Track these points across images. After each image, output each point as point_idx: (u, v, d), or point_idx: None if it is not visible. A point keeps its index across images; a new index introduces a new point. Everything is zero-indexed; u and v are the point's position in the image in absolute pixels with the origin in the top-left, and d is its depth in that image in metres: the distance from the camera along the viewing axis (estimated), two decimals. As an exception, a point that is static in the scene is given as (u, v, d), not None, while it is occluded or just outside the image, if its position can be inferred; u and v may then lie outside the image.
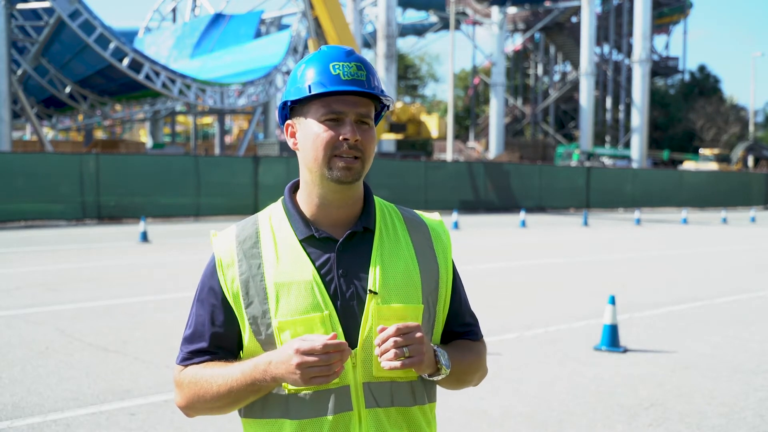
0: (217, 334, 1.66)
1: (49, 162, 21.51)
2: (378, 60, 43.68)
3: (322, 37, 34.90)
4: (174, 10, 48.58)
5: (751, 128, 61.04)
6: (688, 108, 61.28)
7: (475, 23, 62.34)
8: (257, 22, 40.53)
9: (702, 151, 54.80)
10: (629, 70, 59.62)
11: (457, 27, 60.91)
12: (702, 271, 12.78)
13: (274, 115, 38.75)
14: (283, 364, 1.51)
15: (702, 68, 68.50)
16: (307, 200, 1.67)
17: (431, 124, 49.48)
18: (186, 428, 4.57)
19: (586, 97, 51.15)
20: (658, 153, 55.57)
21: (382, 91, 1.64)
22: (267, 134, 40.66)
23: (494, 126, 54.34)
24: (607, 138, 61.48)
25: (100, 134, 53.57)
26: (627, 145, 57.49)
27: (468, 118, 67.32)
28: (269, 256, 1.64)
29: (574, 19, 61.30)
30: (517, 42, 67.94)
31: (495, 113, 54.58)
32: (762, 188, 41.46)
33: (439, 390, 1.79)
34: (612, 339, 6.74)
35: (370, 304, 1.61)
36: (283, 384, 1.58)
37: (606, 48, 63.78)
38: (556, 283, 11.02)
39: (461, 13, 57.22)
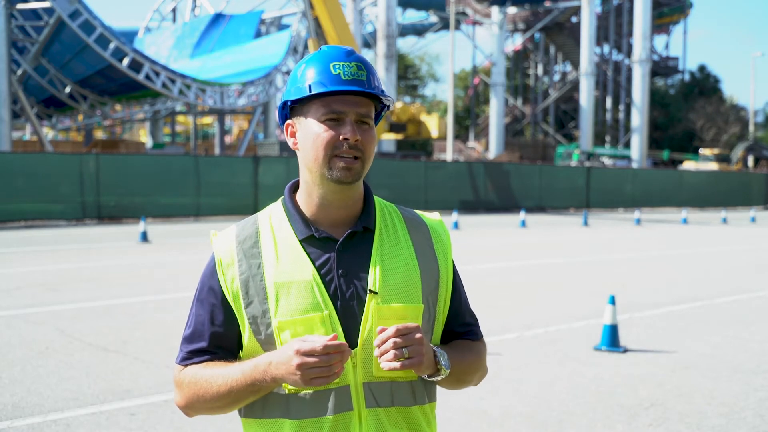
0: (216, 334, 1.66)
1: (49, 162, 21.51)
2: (378, 60, 43.68)
3: (322, 37, 34.90)
4: (174, 10, 48.59)
5: (751, 128, 61.05)
6: (688, 108, 61.29)
7: (475, 23, 62.34)
8: (257, 22, 40.53)
9: (702, 151, 54.80)
10: (629, 70, 59.62)
11: (457, 27, 60.92)
12: (702, 271, 12.78)
13: (274, 115, 38.75)
14: (284, 364, 1.51)
15: (702, 68, 68.51)
16: (307, 200, 1.67)
17: (431, 124, 49.48)
18: (186, 428, 4.57)
19: (586, 97, 51.15)
20: (658, 153, 55.58)
21: (382, 91, 1.64)
22: (267, 134, 40.66)
23: (494, 126, 54.34)
24: (607, 138, 61.49)
25: (100, 134, 53.58)
26: (627, 145, 57.50)
27: (468, 118, 67.33)
28: (269, 255, 1.64)
29: (574, 19, 61.30)
30: (517, 42, 67.95)
31: (495, 113, 54.59)
32: (762, 188, 41.46)
33: (439, 390, 1.79)
34: (612, 339, 6.74)
35: (370, 304, 1.61)
36: (283, 384, 1.58)
37: (606, 48, 63.79)
38: (556, 283, 11.02)
39: (461, 13, 57.22)
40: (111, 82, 32.32)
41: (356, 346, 1.60)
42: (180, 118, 57.50)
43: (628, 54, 60.26)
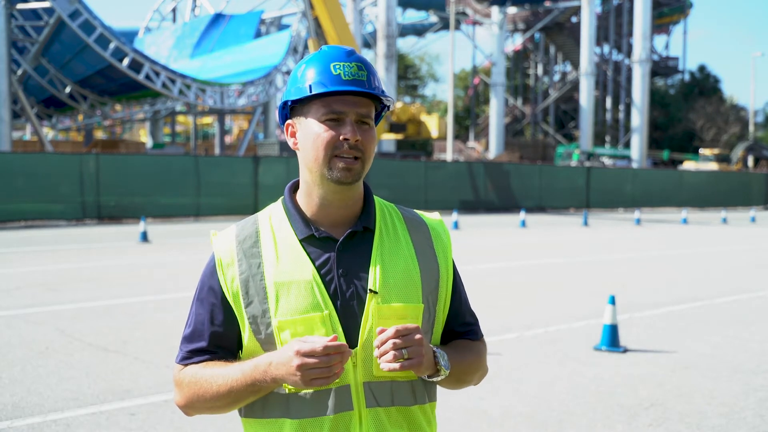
0: (216, 334, 1.66)
1: (49, 162, 21.51)
2: (378, 60, 43.67)
3: (322, 37, 34.91)
4: (174, 10, 48.59)
5: (751, 128, 61.06)
6: (688, 108, 61.29)
7: (475, 23, 62.34)
8: (257, 22, 40.53)
9: (702, 151, 54.81)
10: (629, 70, 59.62)
11: (457, 27, 60.92)
12: (702, 271, 12.78)
13: (274, 115, 38.76)
14: (284, 365, 1.52)
15: (702, 68, 68.51)
16: (307, 200, 1.67)
17: (431, 124, 49.49)
18: (186, 428, 4.57)
19: (586, 97, 51.15)
20: (658, 153, 55.57)
21: (382, 91, 1.64)
22: (267, 134, 40.66)
23: (494, 126, 54.34)
24: (607, 138, 61.49)
25: (100, 134, 53.58)
26: (627, 145, 57.49)
27: (468, 118, 67.33)
28: (269, 255, 1.64)
29: (574, 19, 61.30)
30: (517, 42, 67.94)
31: (495, 113, 54.58)
32: (762, 188, 41.46)
33: (439, 389, 1.79)
34: (612, 339, 6.74)
35: (371, 304, 1.61)
36: (283, 384, 1.58)
37: (606, 48, 63.79)
38: (556, 283, 11.02)
39: (461, 13, 57.22)
40: (111, 82, 32.33)
41: (356, 346, 1.60)
42: (180, 118, 57.51)
43: (628, 54, 60.26)
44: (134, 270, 11.49)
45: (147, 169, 22.65)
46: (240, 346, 1.68)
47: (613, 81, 62.39)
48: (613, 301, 6.78)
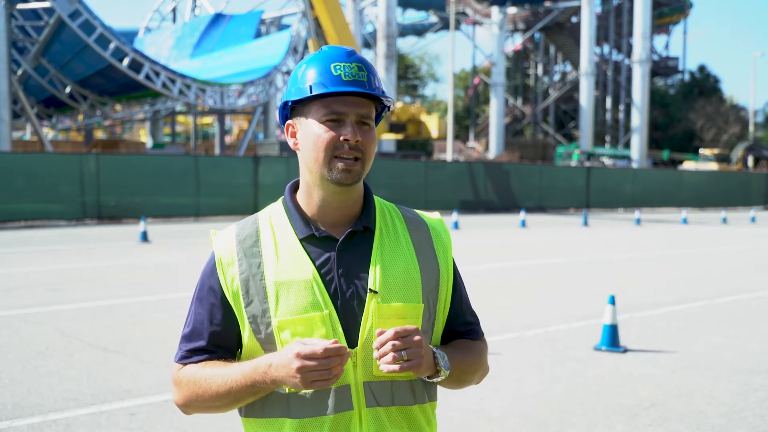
0: (215, 333, 1.66)
1: (49, 162, 21.50)
2: (378, 60, 43.67)
3: (322, 37, 34.91)
4: (174, 10, 48.57)
5: (751, 128, 61.07)
6: (688, 108, 61.29)
7: (475, 23, 62.32)
8: (257, 22, 40.53)
9: (702, 151, 54.81)
10: (629, 70, 59.61)
11: (457, 27, 60.91)
12: (702, 271, 12.78)
13: (274, 115, 38.76)
14: (284, 367, 1.52)
15: (702, 68, 68.51)
16: (307, 200, 1.67)
17: (431, 124, 49.49)
18: (186, 428, 4.57)
19: (586, 97, 51.14)
20: (658, 153, 55.57)
21: (383, 91, 1.64)
22: (267, 134, 40.66)
23: (494, 126, 54.33)
24: (607, 138, 61.48)
25: (100, 134, 53.58)
26: (627, 145, 57.49)
27: (468, 118, 67.32)
28: (269, 255, 1.64)
29: (574, 19, 61.30)
30: (517, 42, 67.93)
31: (495, 113, 54.58)
32: (762, 188, 41.46)
33: (440, 389, 1.79)
34: (612, 339, 6.74)
35: (371, 303, 1.61)
36: (282, 385, 1.58)
37: (606, 48, 63.78)
38: (556, 283, 11.03)
39: (461, 13, 57.21)
40: (111, 82, 32.32)
41: (356, 346, 1.60)
42: (180, 118, 57.51)
43: (628, 54, 60.25)
44: (134, 270, 11.49)
45: (147, 169, 22.65)
46: (239, 345, 1.68)
47: (613, 81, 62.39)
48: (613, 301, 6.78)
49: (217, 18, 41.82)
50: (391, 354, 1.50)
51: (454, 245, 1.85)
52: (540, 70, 67.70)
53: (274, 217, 1.70)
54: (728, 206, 38.38)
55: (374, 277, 1.62)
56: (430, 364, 1.59)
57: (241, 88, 34.00)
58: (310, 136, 1.62)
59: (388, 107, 1.70)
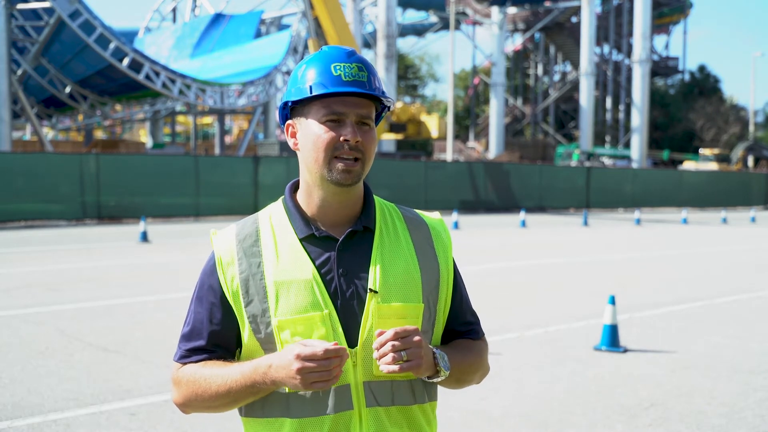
0: (215, 333, 1.66)
1: (49, 162, 21.51)
2: (378, 60, 43.67)
3: (322, 37, 34.90)
4: (174, 10, 48.57)
5: (751, 128, 61.07)
6: (688, 108, 61.29)
7: (475, 23, 62.32)
8: (257, 22, 40.53)
9: (702, 151, 54.80)
10: (629, 70, 59.60)
11: (457, 27, 60.90)
12: (702, 271, 12.79)
13: (274, 115, 38.76)
14: (284, 368, 1.52)
15: (702, 68, 68.51)
16: (307, 200, 1.67)
17: (431, 124, 49.49)
18: (186, 428, 4.57)
19: (586, 97, 51.14)
20: (658, 153, 55.57)
21: (383, 92, 1.64)
22: (267, 134, 40.66)
23: (494, 126, 54.33)
24: (607, 138, 61.48)
25: (100, 134, 53.57)
26: (627, 145, 57.48)
27: (468, 118, 67.32)
28: (269, 254, 1.64)
29: (574, 19, 61.29)
30: (517, 42, 67.93)
31: (495, 113, 54.57)
32: (762, 188, 41.47)
33: (440, 389, 1.79)
34: (612, 339, 6.74)
35: (371, 303, 1.61)
36: (282, 386, 1.58)
37: (606, 48, 63.77)
38: (556, 283, 11.03)
39: (461, 13, 57.20)
40: (111, 82, 32.32)
41: (356, 346, 1.60)
42: (180, 118, 57.50)
43: (628, 54, 60.24)
44: (134, 270, 11.49)
45: (147, 169, 22.65)
46: (239, 345, 1.68)
47: (613, 81, 62.39)
48: (613, 301, 6.78)
49: (217, 18, 41.82)
50: (391, 354, 1.50)
51: (454, 245, 1.85)
52: (540, 70, 67.70)
53: (274, 217, 1.70)
54: (728, 206, 38.38)
55: (374, 276, 1.62)
56: (430, 365, 1.59)
57: (241, 88, 34.01)
58: (310, 136, 1.62)
59: (388, 107, 1.70)
